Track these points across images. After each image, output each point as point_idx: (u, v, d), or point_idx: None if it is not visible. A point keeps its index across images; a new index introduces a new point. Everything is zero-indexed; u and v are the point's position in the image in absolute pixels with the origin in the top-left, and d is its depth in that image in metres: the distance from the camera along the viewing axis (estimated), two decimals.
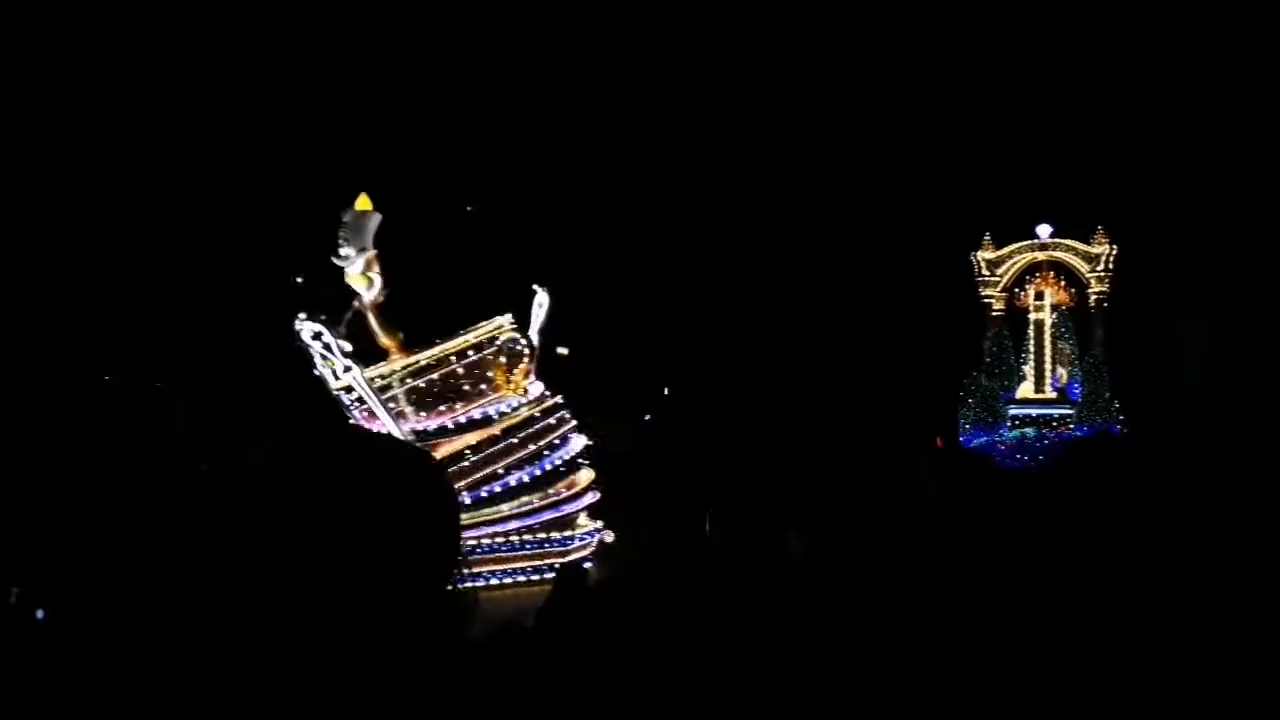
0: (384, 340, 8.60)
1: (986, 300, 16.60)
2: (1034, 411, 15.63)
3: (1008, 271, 16.63)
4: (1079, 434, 14.57)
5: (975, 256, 16.60)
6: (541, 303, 9.43)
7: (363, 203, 8.67)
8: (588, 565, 9.51)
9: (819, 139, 17.19)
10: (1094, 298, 16.19)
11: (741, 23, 17.42)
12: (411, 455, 1.43)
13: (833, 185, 17.42)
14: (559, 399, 8.95)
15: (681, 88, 19.73)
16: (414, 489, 1.34)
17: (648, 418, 22.74)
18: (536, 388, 8.89)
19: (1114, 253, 15.99)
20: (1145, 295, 16.31)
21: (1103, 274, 16.01)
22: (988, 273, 16.54)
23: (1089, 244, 16.18)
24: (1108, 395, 15.37)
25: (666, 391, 25.33)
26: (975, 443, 15.03)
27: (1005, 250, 16.66)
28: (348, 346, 8.34)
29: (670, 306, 21.71)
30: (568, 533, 9.06)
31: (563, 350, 24.49)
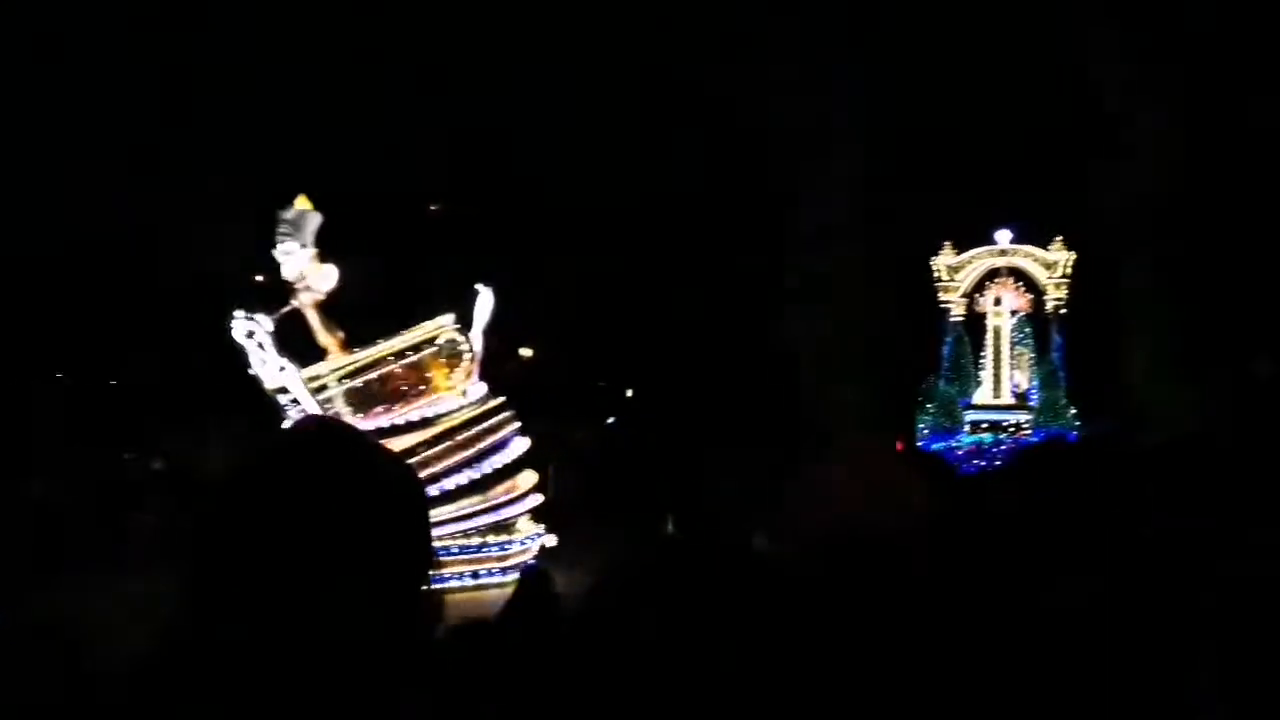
0: (324, 339, 8.47)
1: (945, 305, 16.61)
2: (991, 416, 15.64)
3: (967, 277, 16.65)
4: (1035, 439, 14.58)
5: (935, 262, 16.61)
6: (485, 302, 9.32)
7: (302, 201, 8.55)
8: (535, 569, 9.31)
9: (774, 143, 17.16)
10: (1051, 304, 16.22)
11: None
12: (386, 452, 1.36)
13: (793, 194, 17.41)
14: (501, 400, 8.82)
15: (623, 87, 19.65)
16: (392, 486, 1.29)
17: (611, 420, 22.73)
18: (478, 389, 8.75)
19: (1071, 260, 16.03)
20: (1105, 302, 16.38)
21: (1060, 280, 16.04)
22: (947, 278, 16.55)
23: (1047, 250, 16.22)
24: (1064, 401, 15.40)
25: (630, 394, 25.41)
26: (933, 447, 15.00)
27: (965, 256, 16.67)
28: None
29: (636, 310, 21.74)
30: (507, 537, 8.93)
31: (525, 351, 24.40)
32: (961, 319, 16.64)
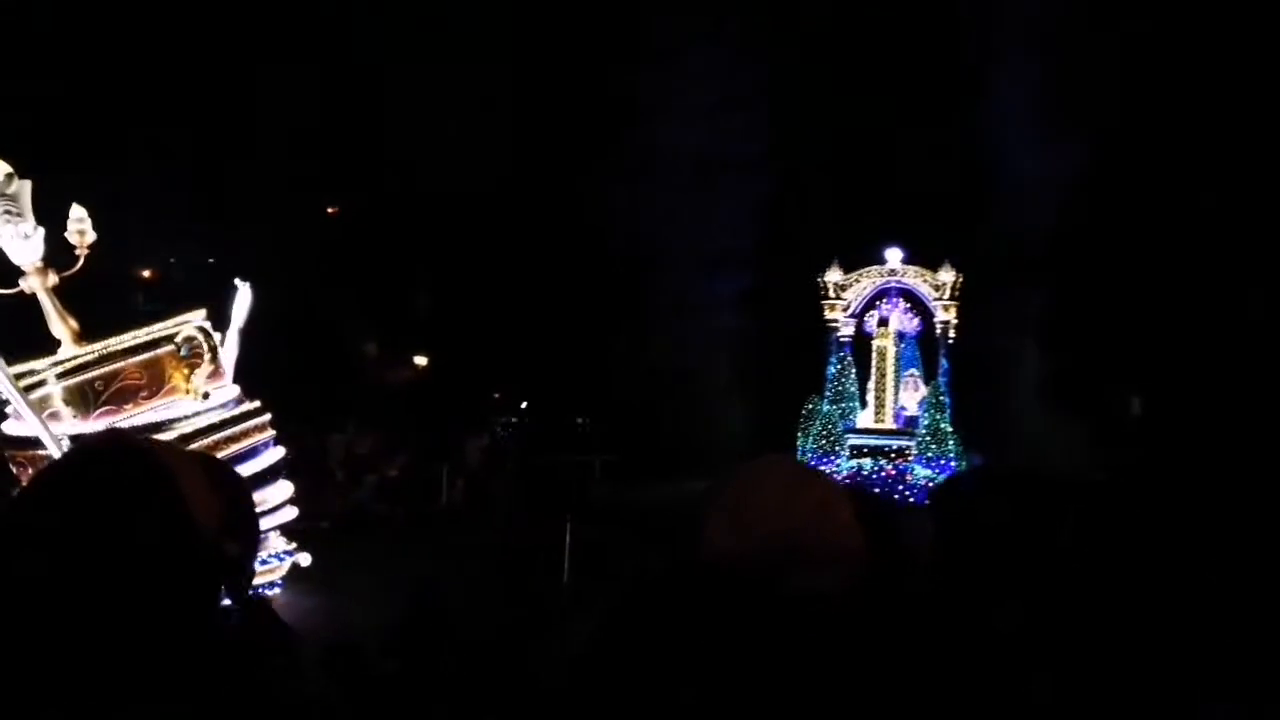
0: (57, 329, 7.43)
1: (832, 324, 16.07)
2: (873, 441, 15.10)
3: (856, 296, 16.14)
4: (918, 465, 14.04)
5: (823, 279, 16.06)
6: (243, 300, 8.40)
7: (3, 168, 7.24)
8: (275, 590, 8.49)
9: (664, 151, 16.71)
10: (939, 326, 15.77)
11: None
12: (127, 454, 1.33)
13: (678, 205, 17.02)
14: (254, 406, 7.91)
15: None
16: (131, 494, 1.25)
17: (513, 420, 22.09)
18: (226, 393, 7.83)
19: (959, 281, 15.60)
20: (989, 326, 16.12)
21: (948, 302, 15.59)
22: (834, 295, 16.01)
23: (936, 272, 15.76)
24: (947, 428, 14.91)
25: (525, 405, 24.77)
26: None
27: (854, 274, 16.16)
28: None
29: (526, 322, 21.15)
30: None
31: (370, 348, 23.55)
32: (849, 339, 16.12)
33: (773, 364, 16.91)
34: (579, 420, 21.04)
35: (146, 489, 1.29)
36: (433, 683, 5.67)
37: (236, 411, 7.70)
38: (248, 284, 8.42)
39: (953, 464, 14.03)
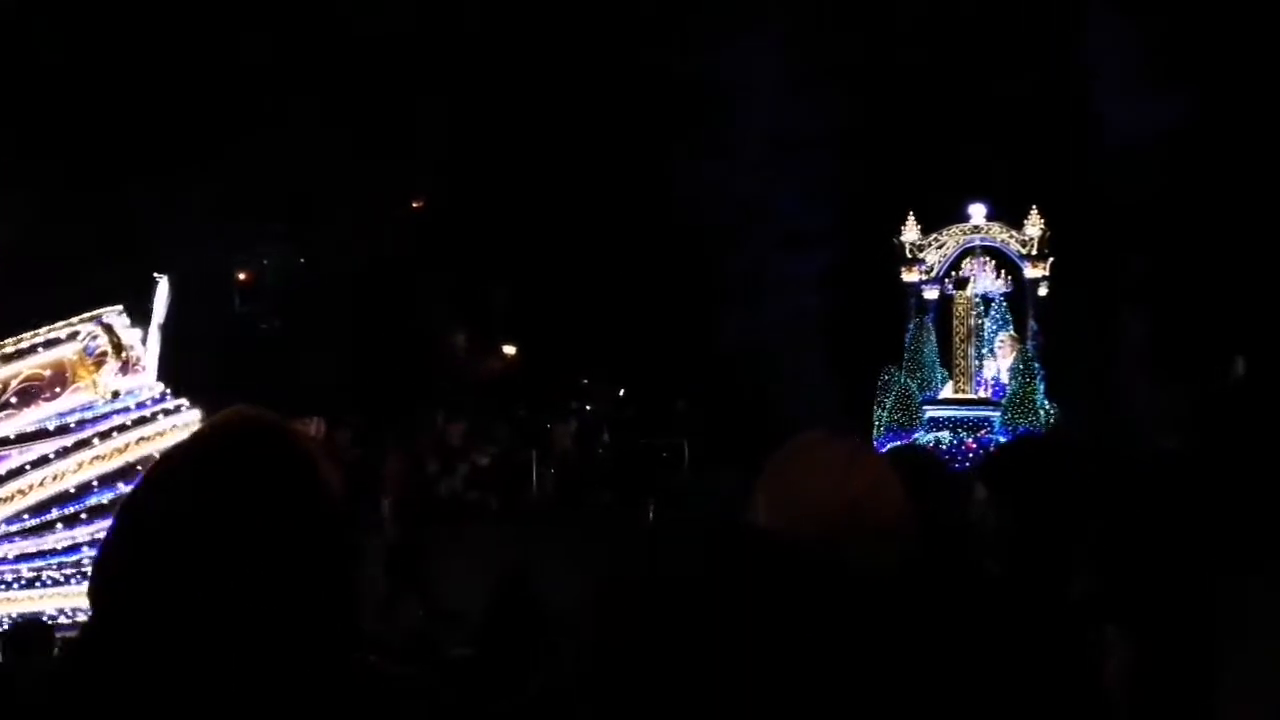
0: None
1: (911, 287, 14.99)
2: (953, 412, 13.97)
3: (938, 257, 15.00)
4: (1002, 438, 12.97)
5: (898, 239, 14.98)
6: (162, 295, 8.08)
7: None
8: None
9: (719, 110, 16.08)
10: (1031, 283, 14.51)
11: None
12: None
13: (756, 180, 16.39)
14: (177, 404, 7.56)
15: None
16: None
17: (588, 408, 21.78)
18: (144, 393, 7.51)
19: (1049, 235, 14.26)
20: (1092, 286, 14.84)
21: (1038, 259, 14.29)
22: (911, 257, 14.91)
23: (1023, 225, 14.47)
24: (1038, 396, 13.67)
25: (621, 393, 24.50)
26: (887, 446, 13.46)
27: (933, 234, 15.02)
28: None
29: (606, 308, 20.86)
30: None
31: (458, 338, 23.55)
32: (931, 302, 15.04)
33: (858, 336, 16.15)
34: (671, 403, 20.68)
35: (289, 469, 1.26)
36: (511, 672, 5.51)
37: (153, 410, 7.42)
38: (165, 278, 8.18)
39: (1038, 433, 12.85)
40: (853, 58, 16.14)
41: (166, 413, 7.49)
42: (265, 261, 21.31)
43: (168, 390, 7.71)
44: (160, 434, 7.25)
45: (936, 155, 15.95)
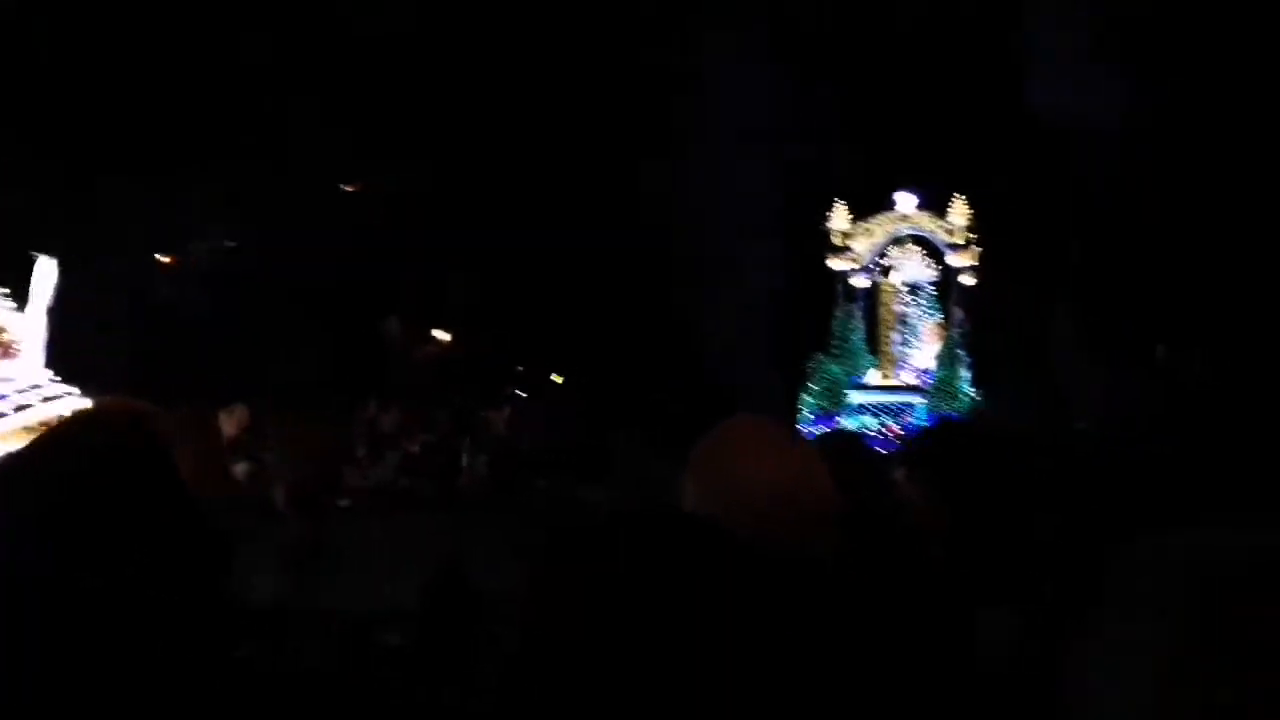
0: None
1: (839, 274, 15.07)
2: (880, 399, 14.09)
3: (867, 245, 15.09)
4: (926, 423, 13.05)
5: (826, 228, 15.05)
6: (45, 275, 7.77)
7: None
8: None
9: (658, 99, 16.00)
10: (956, 271, 14.66)
11: None
12: None
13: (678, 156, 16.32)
14: (60, 389, 7.26)
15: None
16: None
17: (523, 394, 21.64)
18: (24, 376, 7.22)
19: (974, 223, 14.42)
20: (1018, 274, 15.02)
21: (963, 246, 14.44)
22: (840, 245, 14.99)
23: (948, 212, 14.62)
24: (962, 383, 13.84)
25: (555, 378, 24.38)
26: (813, 432, 13.54)
27: (861, 223, 15.11)
28: None
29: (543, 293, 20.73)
30: None
31: (392, 323, 23.31)
32: (860, 290, 15.14)
33: (794, 324, 16.21)
34: (608, 389, 20.62)
35: (134, 461, 1.24)
36: (449, 661, 5.47)
37: (32, 397, 7.11)
38: (47, 257, 7.85)
39: (956, 418, 12.98)
40: (788, 47, 16.14)
41: (46, 400, 7.19)
42: (191, 246, 20.86)
43: (53, 376, 7.41)
44: (42, 422, 6.97)
45: (868, 144, 16.01)
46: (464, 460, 20.03)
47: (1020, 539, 2.15)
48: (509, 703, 1.12)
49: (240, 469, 17.37)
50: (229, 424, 18.04)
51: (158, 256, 20.69)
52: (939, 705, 1.67)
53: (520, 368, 22.30)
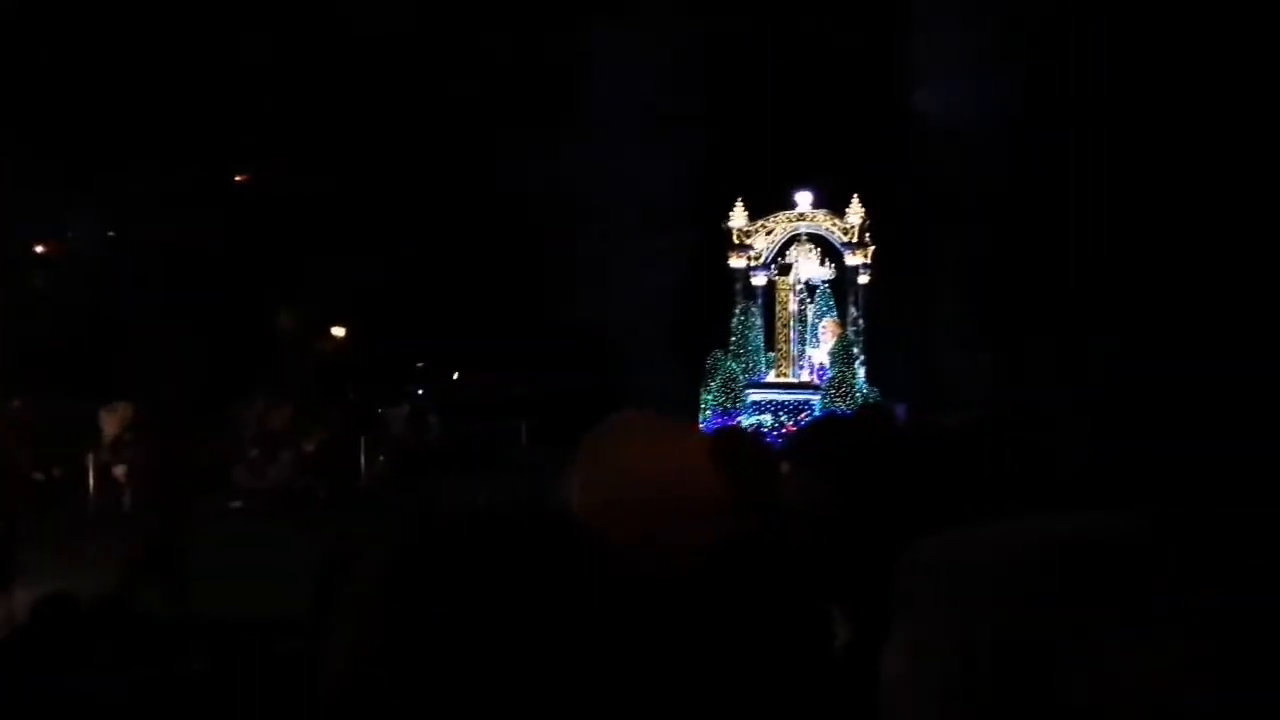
0: None
1: (738, 273, 15.14)
2: (776, 395, 14.20)
3: (766, 244, 15.18)
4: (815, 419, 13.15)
5: (726, 225, 15.09)
6: None
7: None
8: None
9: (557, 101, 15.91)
10: (850, 271, 14.84)
11: None
12: None
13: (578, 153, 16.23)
14: None
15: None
16: None
17: (420, 391, 21.26)
18: None
19: (868, 223, 14.62)
20: (910, 273, 15.29)
21: (858, 245, 14.62)
22: (738, 243, 15.05)
23: (845, 212, 14.80)
24: (857, 380, 14.01)
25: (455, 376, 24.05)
26: (712, 428, 13.52)
27: (759, 221, 15.19)
28: None
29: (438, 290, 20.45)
30: None
31: (284, 318, 22.85)
32: (760, 288, 15.22)
33: (694, 320, 16.25)
34: (503, 384, 20.45)
35: None
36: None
37: None
38: None
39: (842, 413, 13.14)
40: (686, 45, 16.18)
41: None
42: (70, 234, 19.96)
43: None
44: None
45: (771, 143, 16.15)
46: (362, 458, 19.63)
47: (890, 534, 2.17)
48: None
49: (119, 471, 16.67)
50: (111, 422, 17.28)
51: (36, 247, 19.79)
52: (789, 701, 1.69)
53: (420, 365, 21.98)
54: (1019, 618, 0.79)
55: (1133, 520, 0.85)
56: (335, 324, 22.82)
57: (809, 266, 15.04)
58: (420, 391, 21.40)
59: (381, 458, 19.84)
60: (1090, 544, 0.83)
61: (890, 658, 0.89)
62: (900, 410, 13.76)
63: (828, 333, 14.79)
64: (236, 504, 16.41)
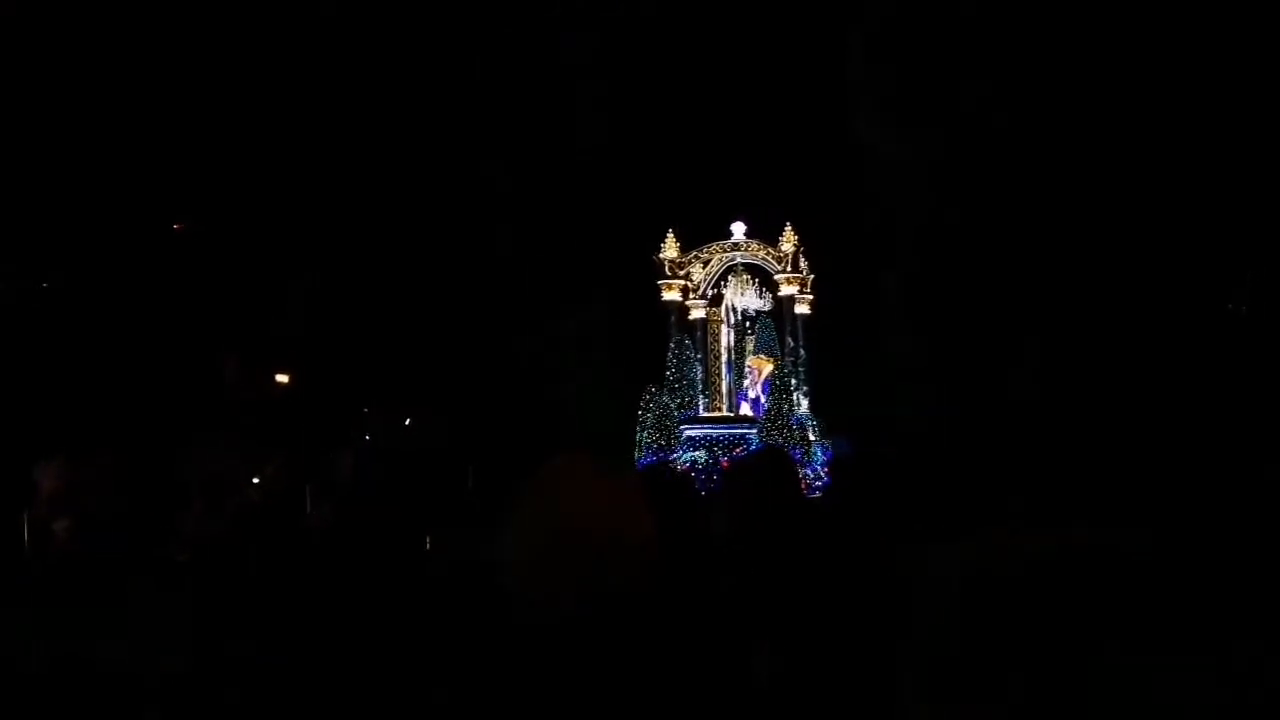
0: None
1: (671, 307, 14.81)
2: (711, 431, 13.81)
3: (703, 275, 14.87)
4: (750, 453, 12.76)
5: (658, 257, 14.79)
6: None
7: None
8: None
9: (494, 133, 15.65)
10: (786, 301, 14.53)
11: None
12: None
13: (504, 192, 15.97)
14: None
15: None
16: None
17: (367, 438, 20.70)
18: None
19: (802, 251, 14.34)
20: (850, 304, 14.99)
21: (793, 275, 14.33)
22: (671, 275, 14.73)
23: (778, 241, 14.52)
24: (797, 412, 13.65)
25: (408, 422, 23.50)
26: (645, 465, 13.14)
27: (693, 252, 14.90)
28: None
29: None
30: None
31: (228, 361, 22.38)
32: (698, 321, 14.90)
33: (628, 356, 15.89)
34: (455, 428, 19.98)
35: None
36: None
37: None
38: None
39: (798, 451, 12.75)
40: (618, 78, 15.99)
41: None
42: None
43: None
44: None
45: (705, 175, 15.90)
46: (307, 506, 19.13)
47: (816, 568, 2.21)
48: None
49: (60, 525, 16.18)
50: (48, 474, 16.83)
51: None
52: None
53: (366, 409, 21.53)
54: (1032, 623, 0.83)
55: (1135, 532, 0.89)
56: (278, 369, 22.34)
57: (747, 297, 14.73)
58: (367, 438, 20.90)
59: (326, 506, 19.37)
60: (1095, 553, 0.87)
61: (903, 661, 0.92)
62: (843, 444, 13.43)
63: (754, 370, 14.43)
64: (183, 557, 15.99)
